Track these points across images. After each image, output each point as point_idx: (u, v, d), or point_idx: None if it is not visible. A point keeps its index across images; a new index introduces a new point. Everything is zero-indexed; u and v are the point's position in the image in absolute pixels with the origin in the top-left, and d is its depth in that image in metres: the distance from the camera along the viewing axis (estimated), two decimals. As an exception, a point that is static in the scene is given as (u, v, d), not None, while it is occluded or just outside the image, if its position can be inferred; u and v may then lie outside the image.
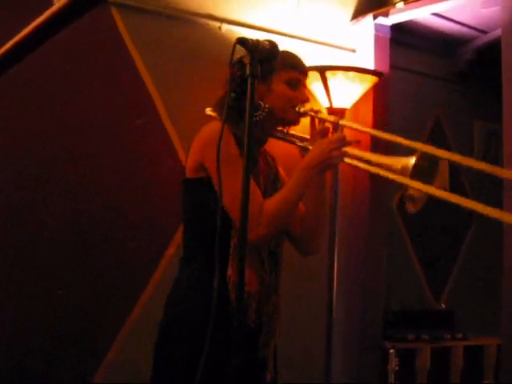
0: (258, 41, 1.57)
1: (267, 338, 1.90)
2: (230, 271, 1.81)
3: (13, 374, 2.65)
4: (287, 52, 2.00)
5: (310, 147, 1.88)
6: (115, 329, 2.91)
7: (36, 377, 2.69)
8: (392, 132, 4.11)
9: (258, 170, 1.95)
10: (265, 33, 3.32)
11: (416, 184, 1.72)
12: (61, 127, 2.83)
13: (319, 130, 1.91)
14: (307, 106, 1.94)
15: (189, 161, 1.91)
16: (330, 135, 1.90)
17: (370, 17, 3.67)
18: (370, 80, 3.46)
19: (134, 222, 2.97)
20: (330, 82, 3.35)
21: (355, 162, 1.83)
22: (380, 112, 3.69)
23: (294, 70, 1.96)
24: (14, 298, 2.71)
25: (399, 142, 1.79)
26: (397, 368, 3.49)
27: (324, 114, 1.94)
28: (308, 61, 3.47)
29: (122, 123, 2.97)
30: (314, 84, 3.42)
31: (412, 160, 1.74)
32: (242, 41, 1.54)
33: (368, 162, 1.84)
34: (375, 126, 3.65)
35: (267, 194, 1.90)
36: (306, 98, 1.96)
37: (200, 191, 1.87)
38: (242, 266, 1.49)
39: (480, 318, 4.19)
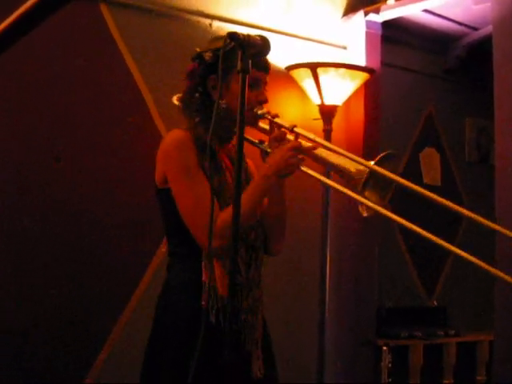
0: (249, 36, 1.55)
1: (250, 333, 1.88)
2: (204, 277, 1.82)
3: (12, 373, 2.64)
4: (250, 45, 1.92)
5: (269, 150, 1.87)
6: (107, 329, 2.89)
7: (34, 377, 2.68)
8: (384, 129, 4.09)
9: (223, 169, 1.93)
10: (256, 30, 3.30)
11: (365, 200, 1.81)
12: (46, 127, 2.81)
13: (274, 136, 1.88)
14: (265, 109, 1.89)
15: (156, 171, 1.92)
16: (285, 142, 1.86)
17: (361, 14, 3.67)
18: (362, 77, 3.45)
19: (127, 222, 2.95)
20: (322, 79, 3.34)
21: (310, 172, 1.83)
22: (371, 109, 3.68)
23: (252, 68, 1.86)
24: (13, 297, 2.69)
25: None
26: (390, 365, 3.50)
27: (280, 119, 1.89)
28: (299, 58, 3.49)
29: (112, 121, 2.95)
30: (305, 81, 3.41)
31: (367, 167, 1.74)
32: (233, 36, 1.52)
33: (325, 161, 1.85)
34: (367, 122, 3.65)
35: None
36: (263, 98, 1.90)
37: (170, 201, 1.88)
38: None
39: (472, 315, 4.19)
